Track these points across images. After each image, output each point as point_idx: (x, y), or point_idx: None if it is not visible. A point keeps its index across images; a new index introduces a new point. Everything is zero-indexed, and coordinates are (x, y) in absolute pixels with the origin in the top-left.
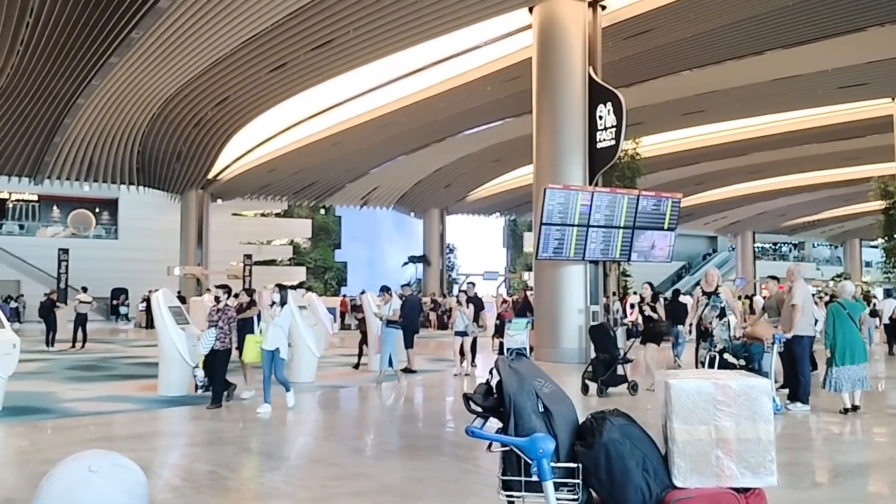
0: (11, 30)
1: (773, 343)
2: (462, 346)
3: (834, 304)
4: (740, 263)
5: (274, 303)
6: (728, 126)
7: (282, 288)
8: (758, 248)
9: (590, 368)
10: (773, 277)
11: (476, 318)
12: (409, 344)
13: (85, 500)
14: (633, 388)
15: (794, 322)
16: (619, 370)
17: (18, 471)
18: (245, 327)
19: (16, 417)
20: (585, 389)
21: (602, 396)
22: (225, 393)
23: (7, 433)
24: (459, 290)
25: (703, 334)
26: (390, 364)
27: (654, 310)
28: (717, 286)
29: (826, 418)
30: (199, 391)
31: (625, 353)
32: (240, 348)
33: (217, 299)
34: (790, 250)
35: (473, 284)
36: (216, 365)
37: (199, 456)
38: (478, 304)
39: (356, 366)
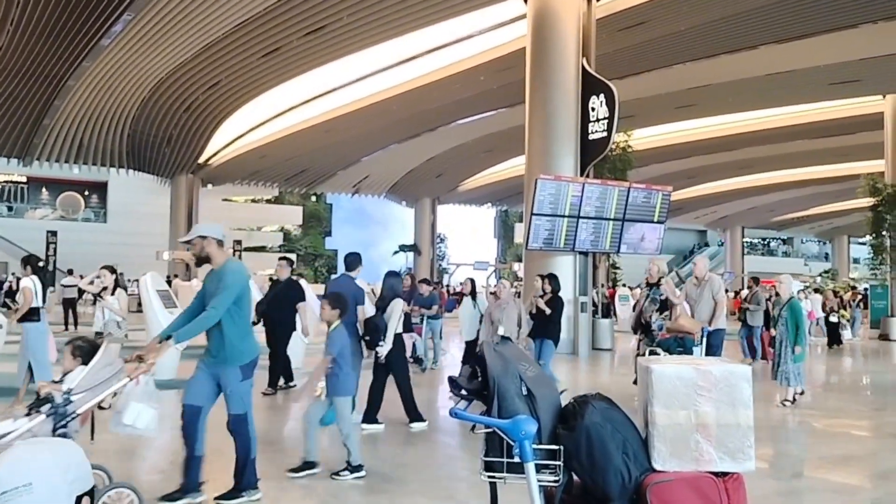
0: (1, 10)
1: (702, 336)
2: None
3: (796, 301)
4: (729, 258)
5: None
6: (720, 120)
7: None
8: (747, 242)
9: None
10: None
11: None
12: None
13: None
14: None
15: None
16: None
17: None
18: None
19: None
20: None
21: None
22: None
23: None
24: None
25: (645, 328)
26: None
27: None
28: (659, 279)
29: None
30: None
31: None
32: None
33: None
34: (779, 245)
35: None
36: None
37: None
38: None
39: None
